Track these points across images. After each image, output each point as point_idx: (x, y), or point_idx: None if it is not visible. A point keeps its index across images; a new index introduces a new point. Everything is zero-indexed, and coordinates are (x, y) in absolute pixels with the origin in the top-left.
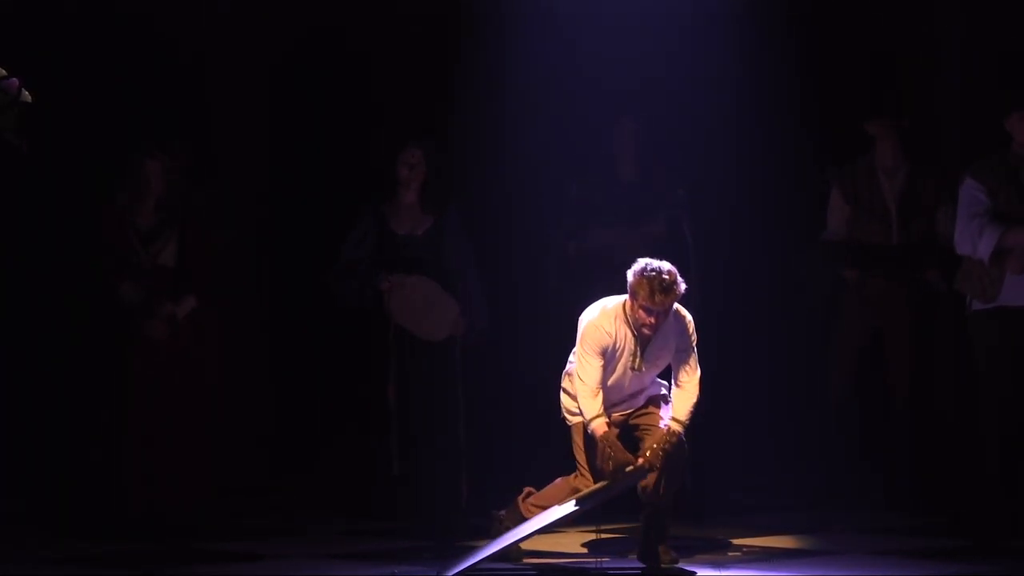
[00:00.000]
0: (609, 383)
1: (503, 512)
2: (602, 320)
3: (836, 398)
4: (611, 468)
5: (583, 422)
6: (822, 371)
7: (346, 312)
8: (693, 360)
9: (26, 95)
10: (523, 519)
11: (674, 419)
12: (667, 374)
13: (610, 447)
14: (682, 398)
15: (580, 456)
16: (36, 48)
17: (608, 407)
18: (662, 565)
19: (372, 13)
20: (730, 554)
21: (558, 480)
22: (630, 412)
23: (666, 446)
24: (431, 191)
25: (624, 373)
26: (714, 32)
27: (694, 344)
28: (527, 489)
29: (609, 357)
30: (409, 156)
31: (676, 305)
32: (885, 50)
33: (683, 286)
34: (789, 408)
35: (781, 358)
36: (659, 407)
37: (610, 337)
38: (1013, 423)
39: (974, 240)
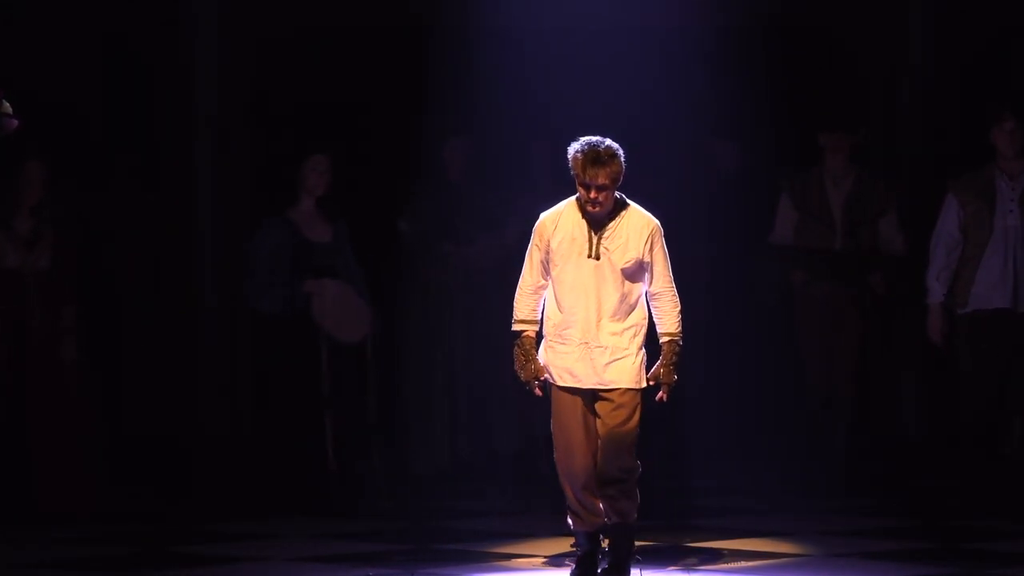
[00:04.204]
0: (570, 280)
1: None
2: (549, 214)
3: (815, 398)
4: (523, 378)
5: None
6: (783, 370)
7: (268, 317)
8: (661, 268)
9: (7, 106)
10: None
11: (666, 334)
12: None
13: (524, 355)
14: (664, 310)
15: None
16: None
17: (584, 313)
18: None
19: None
20: (700, 557)
21: None
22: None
23: (674, 359)
24: (333, 198)
25: (582, 266)
26: (667, 43)
27: (661, 251)
28: None
29: (564, 252)
30: (318, 163)
31: (639, 208)
32: (849, 61)
33: (621, 161)
34: (761, 409)
35: (748, 359)
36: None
37: (552, 226)
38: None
39: (931, 275)
